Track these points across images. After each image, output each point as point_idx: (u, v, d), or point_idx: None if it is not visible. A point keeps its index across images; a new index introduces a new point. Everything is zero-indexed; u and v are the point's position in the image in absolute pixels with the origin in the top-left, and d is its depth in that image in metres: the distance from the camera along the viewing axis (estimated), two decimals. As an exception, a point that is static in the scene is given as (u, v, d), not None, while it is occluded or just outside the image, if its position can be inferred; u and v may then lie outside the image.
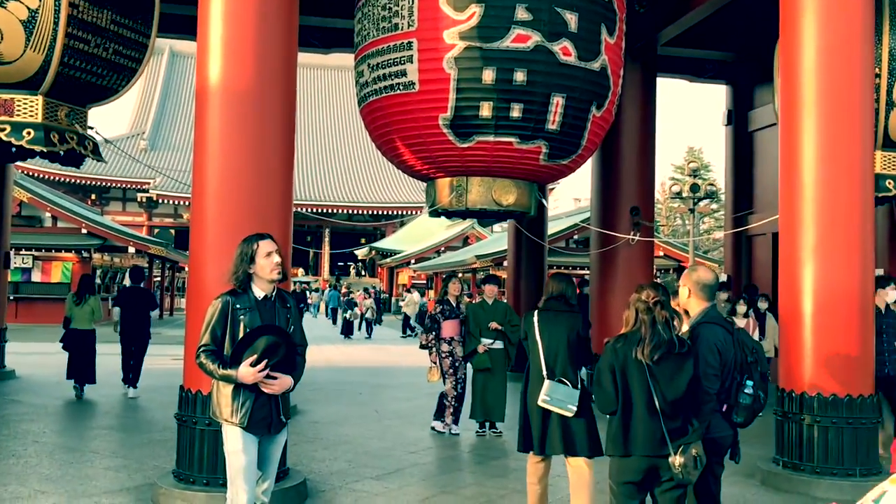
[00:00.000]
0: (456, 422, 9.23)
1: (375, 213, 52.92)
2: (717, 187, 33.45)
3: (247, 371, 3.99)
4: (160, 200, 48.99)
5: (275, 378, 4.08)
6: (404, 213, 52.93)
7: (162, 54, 61.84)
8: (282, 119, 6.39)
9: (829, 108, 7.18)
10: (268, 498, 4.39)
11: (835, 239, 7.13)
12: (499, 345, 9.30)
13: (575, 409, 5.40)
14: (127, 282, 13.21)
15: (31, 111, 7.69)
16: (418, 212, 49.17)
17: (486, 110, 7.88)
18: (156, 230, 49.10)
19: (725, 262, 17.01)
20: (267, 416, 4.18)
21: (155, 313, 12.43)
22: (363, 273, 54.81)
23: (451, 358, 9.19)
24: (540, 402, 5.42)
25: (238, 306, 4.18)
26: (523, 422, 5.68)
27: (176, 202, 48.87)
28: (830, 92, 7.17)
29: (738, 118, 16.56)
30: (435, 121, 8.02)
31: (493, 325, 9.16)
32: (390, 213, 53.24)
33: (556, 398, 5.38)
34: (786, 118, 7.49)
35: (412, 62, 7.93)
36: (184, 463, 6.19)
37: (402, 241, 48.80)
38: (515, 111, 7.92)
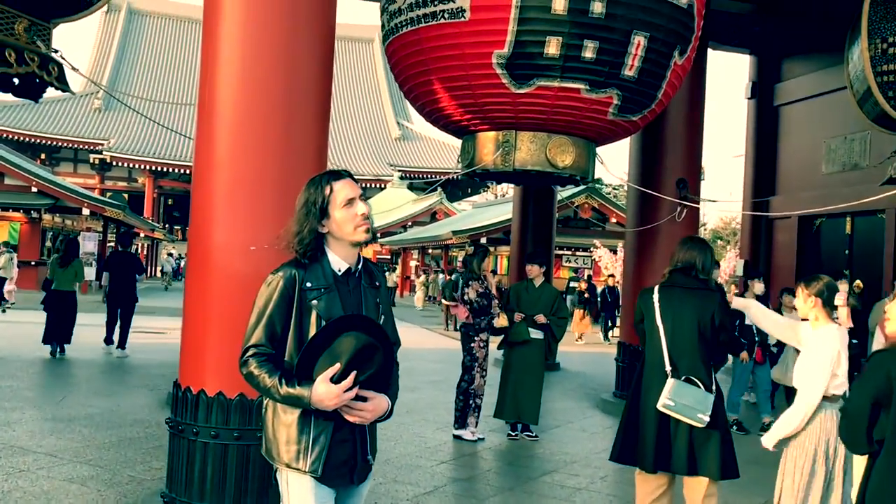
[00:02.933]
0: (476, 424, 7.80)
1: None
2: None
3: (327, 390, 2.49)
4: (114, 163, 46.43)
5: (365, 400, 2.59)
6: (366, 185, 51.10)
7: (119, 11, 58.80)
8: (319, 16, 4.83)
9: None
10: None
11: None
12: (539, 334, 7.89)
13: (707, 418, 4.04)
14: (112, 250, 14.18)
15: (-21, 21, 6.00)
16: (383, 184, 47.37)
17: (553, 47, 6.38)
18: (108, 194, 46.64)
19: (742, 246, 15.84)
20: (350, 459, 2.68)
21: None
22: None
23: (486, 349, 7.74)
24: (660, 406, 4.07)
25: (308, 285, 2.66)
26: (626, 427, 4.29)
27: (131, 165, 46.38)
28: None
29: (763, 91, 15.32)
30: (487, 58, 6.51)
31: (541, 318, 7.75)
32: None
33: (683, 403, 4.03)
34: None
35: (463, -16, 6.39)
36: (178, 484, 4.66)
37: (366, 214, 46.87)
38: (588, 51, 6.44)
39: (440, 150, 53.94)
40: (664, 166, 9.91)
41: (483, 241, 28.90)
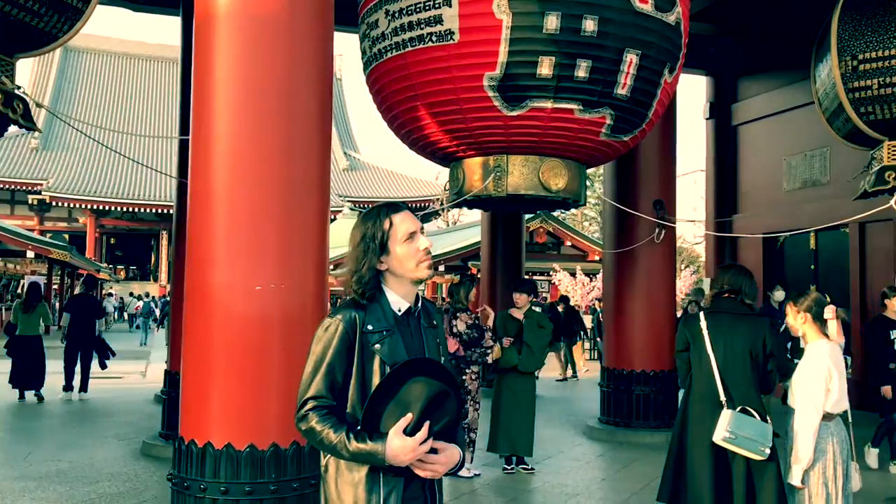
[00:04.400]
0: (472, 459, 7.51)
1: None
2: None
3: (402, 444, 2.22)
4: (54, 203, 45.04)
5: (436, 452, 2.32)
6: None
7: (54, 49, 57.41)
8: (317, 46, 4.59)
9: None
10: None
11: None
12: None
13: (769, 451, 3.86)
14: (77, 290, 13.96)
15: (-62, 54, 5.58)
16: (333, 216, 46.87)
17: (545, 67, 6.22)
18: (48, 235, 45.21)
19: (706, 266, 15.89)
20: None
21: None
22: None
23: (478, 381, 7.47)
24: (718, 440, 3.85)
25: (370, 328, 2.38)
26: (677, 464, 4.07)
27: (71, 205, 45.03)
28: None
29: (721, 111, 15.49)
30: (478, 81, 6.32)
31: (508, 341, 7.51)
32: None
33: (744, 436, 3.83)
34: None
35: (450, 5, 6.20)
36: (185, 547, 4.28)
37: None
38: (582, 70, 6.30)
39: (389, 180, 53.82)
40: (640, 188, 9.83)
41: (441, 268, 28.72)
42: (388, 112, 7.17)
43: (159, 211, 42.81)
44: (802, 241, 13.81)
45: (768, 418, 3.96)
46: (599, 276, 27.32)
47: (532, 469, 7.69)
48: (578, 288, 25.72)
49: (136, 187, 44.70)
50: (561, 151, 6.84)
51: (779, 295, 8.74)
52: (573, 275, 26.15)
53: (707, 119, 15.75)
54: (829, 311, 4.01)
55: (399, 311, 2.46)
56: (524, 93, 6.35)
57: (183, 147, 8.41)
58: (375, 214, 2.47)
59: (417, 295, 2.53)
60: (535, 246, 28.78)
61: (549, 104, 6.40)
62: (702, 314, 4.11)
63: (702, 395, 3.99)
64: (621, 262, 9.91)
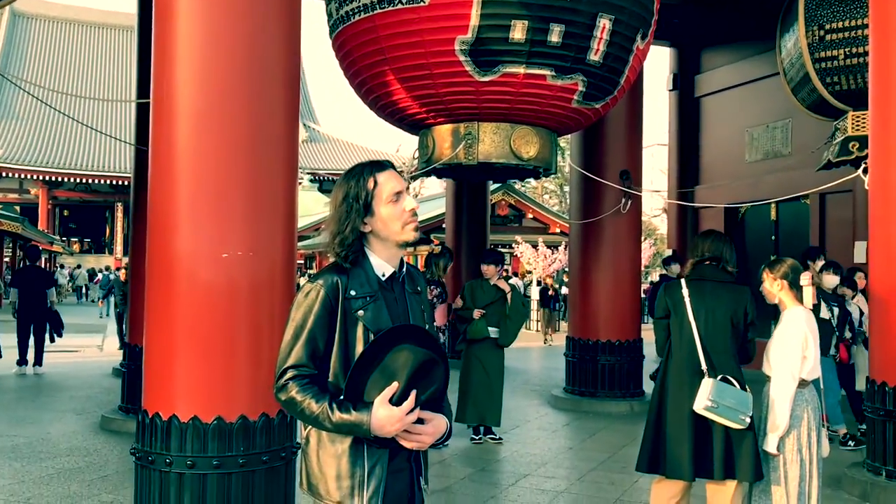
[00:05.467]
0: None
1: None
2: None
3: (388, 414, 2.12)
4: (3, 174, 43.83)
5: (422, 422, 2.22)
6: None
7: (1, 15, 55.56)
8: (285, 2, 4.40)
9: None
10: None
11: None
12: (497, 333, 7.58)
13: (749, 419, 3.83)
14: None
15: None
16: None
17: (518, 31, 6.09)
18: (-1, 206, 44.05)
19: (669, 237, 15.99)
20: (406, 489, 2.33)
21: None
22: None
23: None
24: (700, 409, 3.80)
25: (353, 293, 2.26)
26: (656, 433, 4.03)
27: (22, 175, 43.86)
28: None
29: (684, 83, 15.50)
30: (449, 45, 6.17)
31: (477, 313, 7.42)
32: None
33: (725, 405, 3.78)
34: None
35: (421, -34, 6.03)
36: (150, 524, 4.14)
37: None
38: (555, 34, 6.19)
39: (350, 152, 53.28)
40: (607, 158, 9.78)
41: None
42: (355, 77, 6.99)
43: (114, 182, 41.91)
44: (763, 212, 13.95)
45: (747, 387, 3.93)
46: (561, 248, 27.47)
47: (500, 439, 7.66)
48: (540, 260, 25.78)
49: (90, 158, 43.62)
50: (532, 119, 6.73)
51: (675, 269, 8.75)
52: (535, 247, 26.20)
53: (670, 90, 15.76)
54: (805, 278, 3.98)
55: (383, 275, 2.34)
56: (496, 57, 6.22)
57: (141, 113, 8.12)
58: (359, 173, 2.34)
59: (402, 259, 2.41)
60: (497, 218, 28.76)
61: (521, 69, 6.28)
62: (683, 281, 4.04)
63: (682, 364, 3.94)
64: (587, 233, 9.88)
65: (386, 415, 2.11)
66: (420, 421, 2.20)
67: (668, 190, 16.03)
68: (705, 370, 3.83)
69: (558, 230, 31.68)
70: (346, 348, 2.24)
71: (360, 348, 2.22)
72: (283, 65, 4.36)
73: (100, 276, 31.31)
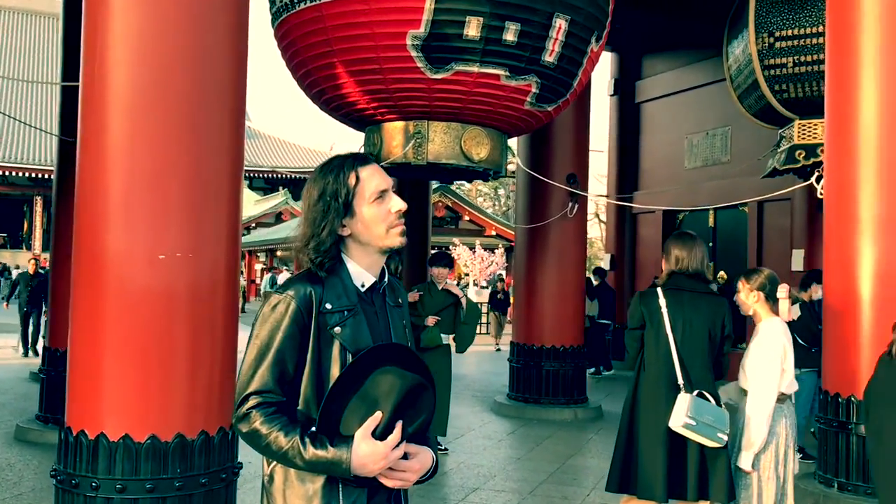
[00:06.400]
0: None
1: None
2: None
3: (372, 450, 1.83)
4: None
5: (407, 457, 1.93)
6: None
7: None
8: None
9: None
10: None
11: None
12: (448, 340, 7.33)
13: (726, 437, 3.66)
14: None
15: None
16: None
17: (473, 28, 5.84)
18: None
19: (607, 242, 16.01)
20: None
21: None
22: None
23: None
24: (679, 426, 3.60)
25: (328, 306, 1.96)
26: (627, 450, 3.83)
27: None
28: None
29: (625, 88, 15.53)
30: (401, 39, 5.88)
31: (431, 320, 7.15)
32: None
33: (704, 422, 3.60)
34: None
35: (372, -45, 5.73)
36: (72, 553, 3.74)
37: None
38: (510, 33, 5.96)
39: (282, 149, 52.36)
40: (554, 161, 9.64)
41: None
42: (298, 69, 6.64)
43: (33, 175, 40.14)
44: (702, 219, 14.04)
45: (722, 403, 3.76)
46: (498, 251, 27.42)
47: (446, 449, 7.41)
48: (477, 262, 25.67)
49: (5, 150, 41.74)
50: (484, 119, 6.50)
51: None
52: (472, 249, 26.07)
53: (611, 96, 15.78)
54: (783, 290, 3.83)
55: (362, 286, 2.04)
56: (450, 55, 5.96)
57: (67, 100, 7.61)
58: (338, 167, 2.03)
59: (383, 268, 2.11)
60: (435, 220, 28.52)
61: (475, 68, 6.04)
62: (660, 291, 3.83)
63: (657, 378, 3.74)
64: (534, 238, 9.71)
65: (369, 451, 1.83)
66: (405, 456, 1.91)
67: (608, 195, 16.04)
68: (682, 385, 3.64)
69: (494, 233, 31.68)
70: (319, 371, 1.94)
71: (335, 371, 1.93)
72: (230, 45, 4.03)
73: (15, 272, 29.90)
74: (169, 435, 3.71)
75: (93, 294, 3.82)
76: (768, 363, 3.72)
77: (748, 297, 3.89)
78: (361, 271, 2.05)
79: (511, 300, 19.40)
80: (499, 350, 17.73)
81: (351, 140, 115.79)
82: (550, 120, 7.25)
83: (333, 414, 1.88)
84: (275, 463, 1.95)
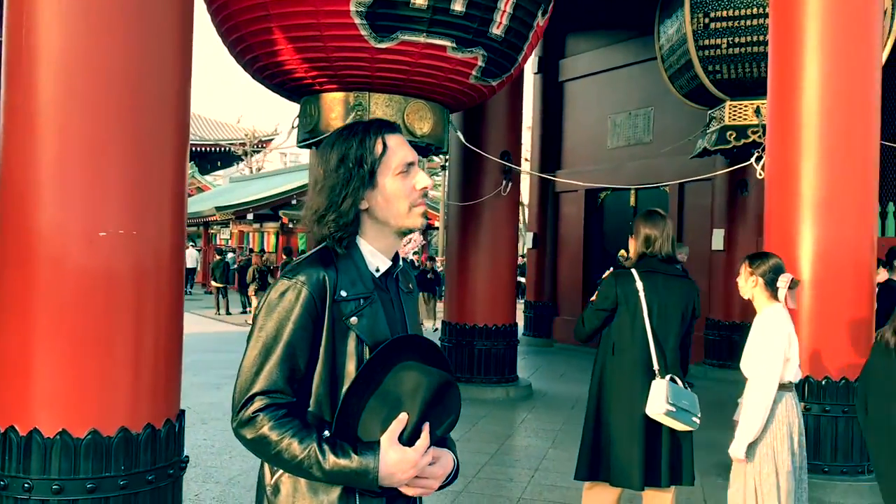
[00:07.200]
0: None
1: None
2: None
3: (401, 457, 1.63)
4: None
5: (431, 462, 1.73)
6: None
7: None
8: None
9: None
10: None
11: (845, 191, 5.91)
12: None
13: (699, 421, 3.59)
14: None
15: None
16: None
17: (421, -3, 5.61)
18: None
19: (530, 220, 16.02)
20: None
21: None
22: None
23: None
24: (659, 413, 3.49)
25: (343, 294, 1.72)
26: (596, 438, 3.73)
27: None
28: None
29: (549, 67, 15.50)
30: (345, 5, 5.60)
31: None
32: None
33: (682, 407, 3.51)
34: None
35: (316, -85, 5.41)
36: (2, 562, 3.39)
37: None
38: (458, 3, 5.75)
39: (194, 122, 50.61)
40: (489, 138, 9.48)
41: (250, 216, 27.38)
42: (230, 34, 6.25)
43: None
44: (623, 198, 14.19)
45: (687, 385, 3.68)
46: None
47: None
48: (407, 244, 25.42)
49: None
50: (427, 92, 6.29)
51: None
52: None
53: (535, 73, 15.72)
54: (785, 280, 3.71)
55: (377, 271, 1.82)
56: (395, 23, 5.71)
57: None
58: (363, 131, 1.78)
59: (396, 252, 1.89)
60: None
61: (421, 38, 5.81)
62: (635, 273, 3.70)
63: (632, 363, 3.60)
64: (466, 215, 9.57)
65: (398, 458, 1.63)
66: (430, 463, 1.72)
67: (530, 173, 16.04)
68: (657, 370, 3.53)
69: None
70: (333, 367, 1.72)
71: (351, 367, 1.71)
72: (175, 6, 3.67)
73: None
74: (112, 429, 3.38)
75: (22, 274, 3.43)
76: (771, 351, 3.60)
77: (747, 282, 3.76)
78: (376, 253, 1.82)
79: (430, 277, 19.27)
80: (436, 331, 17.49)
81: (260, 112, 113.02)
82: (493, 95, 7.08)
83: (351, 416, 1.67)
84: (281, 471, 1.73)
